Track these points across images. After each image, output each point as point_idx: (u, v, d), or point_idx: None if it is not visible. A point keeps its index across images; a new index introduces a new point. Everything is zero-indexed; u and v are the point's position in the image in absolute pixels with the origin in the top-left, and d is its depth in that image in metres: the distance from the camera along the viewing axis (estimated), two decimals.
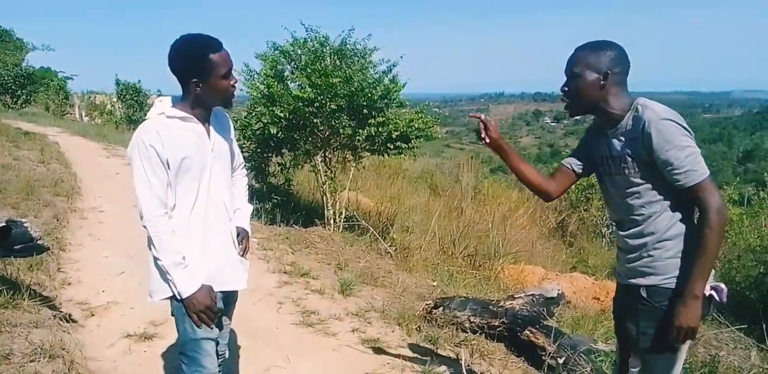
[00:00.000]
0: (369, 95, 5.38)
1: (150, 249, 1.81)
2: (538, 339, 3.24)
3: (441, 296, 4.07)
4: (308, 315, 3.65)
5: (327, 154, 6.10)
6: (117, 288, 3.81)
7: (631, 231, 1.80)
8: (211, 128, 1.91)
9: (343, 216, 6.19)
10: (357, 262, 4.90)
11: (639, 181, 1.74)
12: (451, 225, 7.09)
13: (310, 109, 5.45)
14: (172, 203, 1.82)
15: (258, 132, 5.99)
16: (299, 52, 5.64)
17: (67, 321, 3.16)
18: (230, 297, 2.06)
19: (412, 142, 5.85)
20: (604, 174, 1.90)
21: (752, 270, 6.70)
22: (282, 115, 5.51)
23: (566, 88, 1.82)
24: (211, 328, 1.88)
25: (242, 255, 2.04)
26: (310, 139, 5.93)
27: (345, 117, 5.57)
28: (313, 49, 5.55)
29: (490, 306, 3.63)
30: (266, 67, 5.66)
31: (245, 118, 6.09)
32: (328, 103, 5.39)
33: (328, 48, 5.59)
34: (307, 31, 5.69)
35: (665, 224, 1.73)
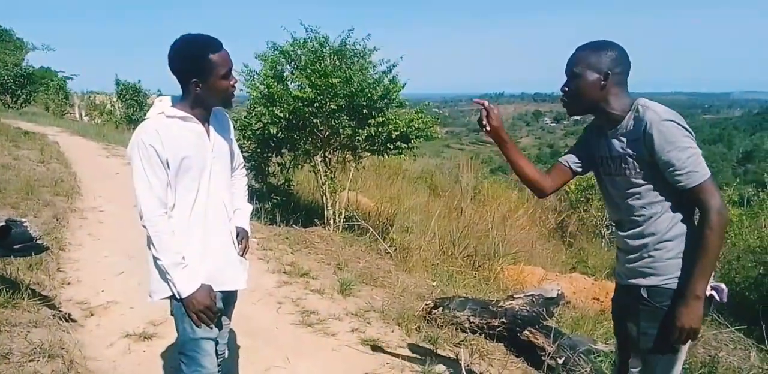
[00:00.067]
0: (369, 95, 5.38)
1: (150, 248, 1.81)
2: (537, 340, 3.24)
3: (440, 296, 4.07)
4: (308, 315, 3.65)
5: (327, 154, 6.10)
6: (116, 287, 3.81)
7: (632, 231, 1.79)
8: (211, 128, 1.91)
9: (343, 216, 6.19)
10: (357, 262, 4.90)
11: (640, 181, 1.74)
12: (451, 225, 7.08)
13: (310, 109, 5.45)
14: (172, 203, 1.82)
15: (258, 132, 5.99)
16: (299, 52, 5.65)
17: (67, 321, 3.16)
18: (230, 297, 2.06)
19: (412, 142, 5.85)
20: (603, 174, 1.89)
21: (752, 270, 6.70)
22: (282, 115, 5.52)
23: (566, 88, 1.82)
24: (211, 328, 1.88)
25: (242, 255, 2.04)
26: (309, 139, 5.93)
27: (345, 117, 5.57)
28: (313, 49, 5.55)
29: (490, 307, 3.63)
30: (266, 68, 5.66)
31: (245, 118, 6.09)
32: (328, 103, 5.39)
33: (327, 48, 5.59)
34: (306, 31, 5.70)
35: (666, 225, 1.73)
